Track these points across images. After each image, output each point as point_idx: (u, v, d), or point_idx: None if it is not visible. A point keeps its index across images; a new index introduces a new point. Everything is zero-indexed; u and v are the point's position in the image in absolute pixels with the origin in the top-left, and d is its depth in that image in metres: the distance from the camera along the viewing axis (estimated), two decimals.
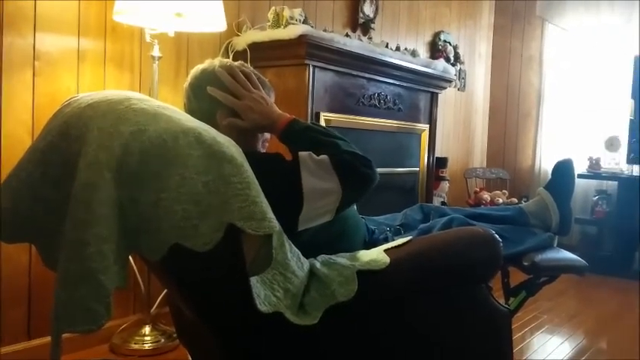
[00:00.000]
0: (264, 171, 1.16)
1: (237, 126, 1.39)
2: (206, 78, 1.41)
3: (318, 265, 1.29)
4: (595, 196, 4.36)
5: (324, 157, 1.28)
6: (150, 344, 2.16)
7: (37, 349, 1.99)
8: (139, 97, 1.17)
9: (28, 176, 1.15)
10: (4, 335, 1.96)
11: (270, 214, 1.08)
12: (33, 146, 1.18)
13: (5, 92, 1.92)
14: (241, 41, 2.54)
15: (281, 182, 1.24)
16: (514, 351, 1.60)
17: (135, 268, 2.18)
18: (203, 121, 1.17)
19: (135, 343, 2.15)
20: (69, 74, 2.09)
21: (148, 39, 2.11)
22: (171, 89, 2.40)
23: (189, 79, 1.43)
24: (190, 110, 1.40)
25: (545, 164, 4.72)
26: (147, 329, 2.21)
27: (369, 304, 1.27)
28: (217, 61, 1.43)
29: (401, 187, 3.22)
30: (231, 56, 2.51)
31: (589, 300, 3.31)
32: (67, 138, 1.11)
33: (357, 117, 2.79)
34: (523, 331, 2.66)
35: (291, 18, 2.53)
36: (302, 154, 1.28)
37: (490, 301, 1.41)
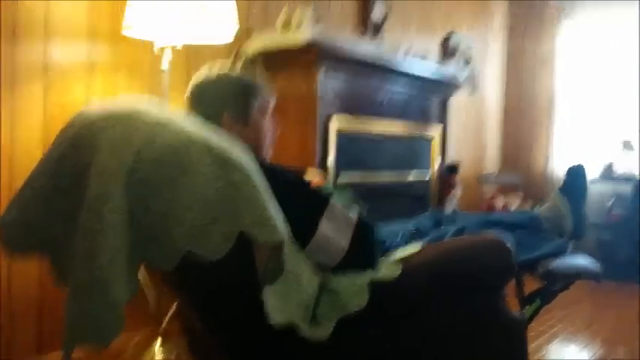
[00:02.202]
0: (288, 194, 1.19)
1: None
2: (208, 85, 1.44)
3: (330, 276, 1.27)
4: (610, 200, 4.30)
5: (354, 216, 1.30)
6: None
7: None
8: (150, 107, 1.18)
9: (40, 187, 1.15)
10: (13, 350, 1.93)
11: (280, 222, 1.07)
12: (45, 157, 1.19)
13: (16, 105, 1.92)
14: (251, 48, 2.55)
15: (297, 214, 1.21)
16: None
17: (144, 282, 2.17)
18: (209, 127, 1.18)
19: None
20: (80, 84, 2.10)
21: (156, 52, 2.11)
22: (181, 98, 2.39)
23: (190, 88, 1.47)
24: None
25: (559, 168, 4.66)
26: (157, 344, 2.18)
27: (381, 314, 1.26)
28: (216, 69, 1.45)
29: (412, 193, 3.20)
30: (241, 64, 2.51)
31: (605, 307, 3.25)
32: (79, 149, 1.11)
33: (368, 122, 2.78)
34: (538, 341, 2.61)
35: (301, 23, 2.52)
36: (334, 203, 1.29)
37: (504, 309, 1.39)
